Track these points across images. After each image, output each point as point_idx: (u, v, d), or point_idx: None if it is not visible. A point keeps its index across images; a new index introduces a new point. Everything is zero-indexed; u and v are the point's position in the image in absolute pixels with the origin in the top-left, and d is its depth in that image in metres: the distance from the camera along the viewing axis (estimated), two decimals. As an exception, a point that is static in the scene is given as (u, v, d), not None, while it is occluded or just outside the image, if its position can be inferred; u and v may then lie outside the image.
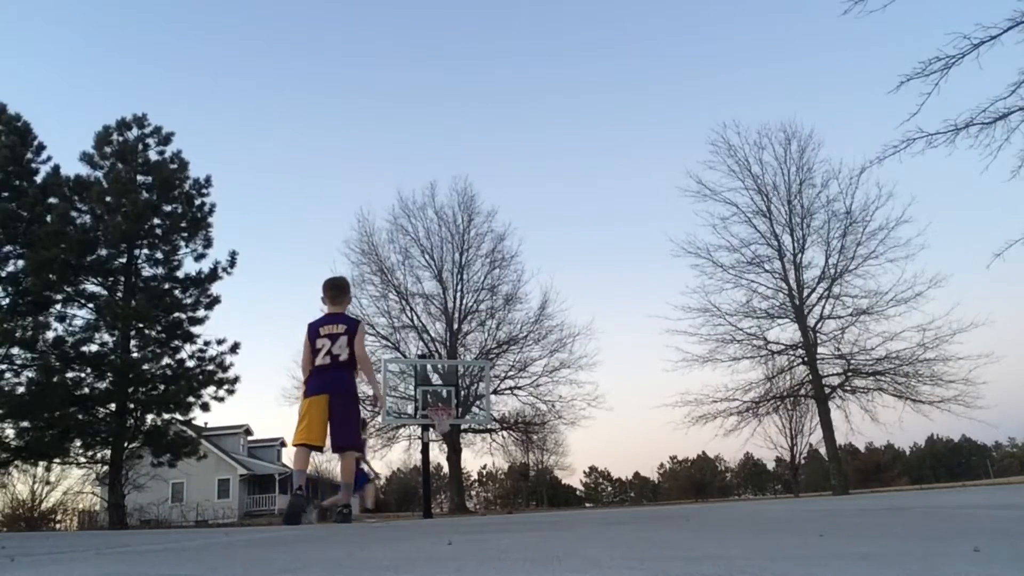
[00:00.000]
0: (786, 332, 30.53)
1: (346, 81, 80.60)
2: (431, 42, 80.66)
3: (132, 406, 22.11)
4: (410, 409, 18.60)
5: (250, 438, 47.26)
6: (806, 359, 29.49)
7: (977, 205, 50.22)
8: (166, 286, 23.46)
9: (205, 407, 22.98)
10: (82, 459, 22.94)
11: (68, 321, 22.29)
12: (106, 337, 22.58)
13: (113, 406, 21.92)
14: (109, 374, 21.83)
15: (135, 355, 22.36)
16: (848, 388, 29.28)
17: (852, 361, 29.24)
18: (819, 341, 29.63)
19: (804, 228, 30.47)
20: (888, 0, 10.91)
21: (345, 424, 5.49)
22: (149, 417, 22.81)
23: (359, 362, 5.64)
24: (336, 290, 5.91)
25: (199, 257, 23.84)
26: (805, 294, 30.06)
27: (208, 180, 24.52)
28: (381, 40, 79.76)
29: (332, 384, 5.51)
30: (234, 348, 23.32)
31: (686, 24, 76.00)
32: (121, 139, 24.11)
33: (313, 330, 5.69)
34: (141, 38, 76.23)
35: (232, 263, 23.82)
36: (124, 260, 23.23)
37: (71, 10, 73.59)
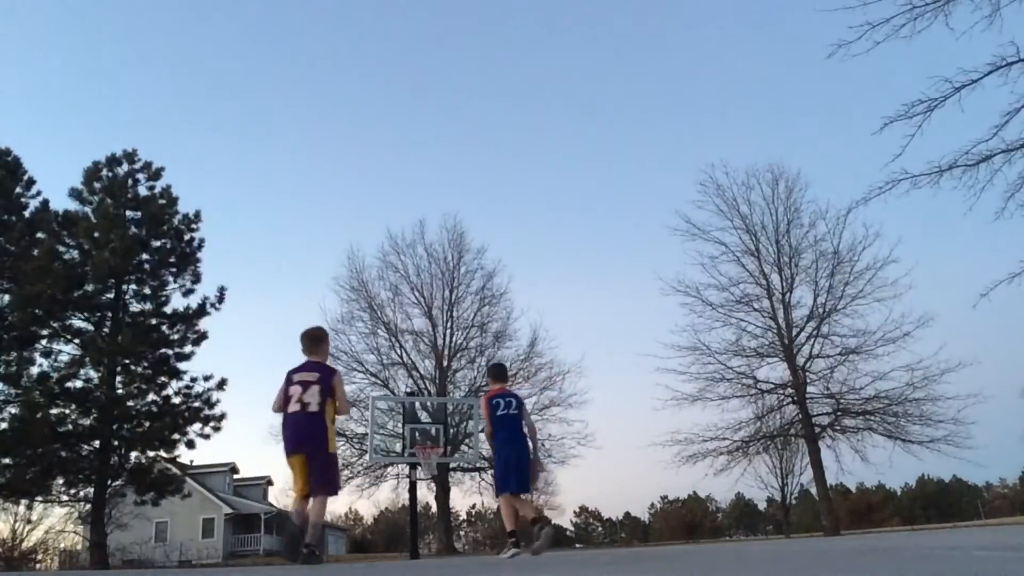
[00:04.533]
0: (775, 371, 30.42)
1: (338, 116, 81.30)
2: (424, 79, 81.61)
3: (116, 443, 21.87)
4: (398, 447, 18.39)
5: (236, 476, 46.58)
6: (795, 398, 29.41)
7: (963, 245, 50.62)
8: (153, 322, 23.32)
9: (191, 444, 22.76)
10: (64, 497, 22.62)
11: (53, 357, 22.14)
12: (91, 373, 22.40)
13: (97, 443, 21.66)
14: (93, 411, 21.60)
15: (120, 391, 22.17)
16: (838, 427, 29.16)
17: (842, 400, 29.16)
18: (808, 380, 29.54)
19: (792, 267, 30.54)
20: (871, 45, 11.09)
21: (319, 474, 5.83)
22: (133, 454, 22.57)
23: (340, 411, 6.04)
24: (310, 340, 6.16)
25: (187, 292, 23.75)
26: (794, 333, 30.06)
27: (198, 215, 24.55)
28: (372, 73, 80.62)
29: (306, 442, 5.81)
30: (221, 384, 23.17)
31: (676, 62, 77.26)
32: (111, 174, 24.12)
33: (288, 376, 5.98)
34: (132, 73, 76.80)
35: (220, 298, 23.76)
36: (111, 295, 23.11)
37: (62, 44, 74.21)
